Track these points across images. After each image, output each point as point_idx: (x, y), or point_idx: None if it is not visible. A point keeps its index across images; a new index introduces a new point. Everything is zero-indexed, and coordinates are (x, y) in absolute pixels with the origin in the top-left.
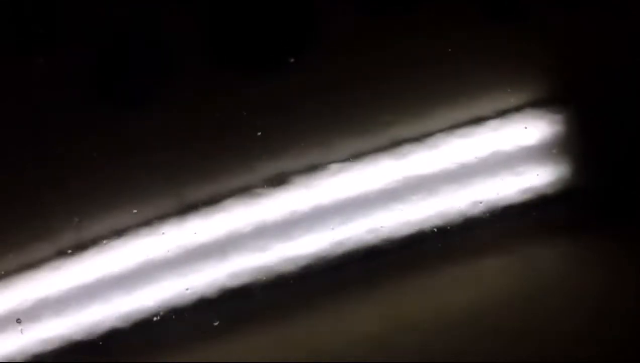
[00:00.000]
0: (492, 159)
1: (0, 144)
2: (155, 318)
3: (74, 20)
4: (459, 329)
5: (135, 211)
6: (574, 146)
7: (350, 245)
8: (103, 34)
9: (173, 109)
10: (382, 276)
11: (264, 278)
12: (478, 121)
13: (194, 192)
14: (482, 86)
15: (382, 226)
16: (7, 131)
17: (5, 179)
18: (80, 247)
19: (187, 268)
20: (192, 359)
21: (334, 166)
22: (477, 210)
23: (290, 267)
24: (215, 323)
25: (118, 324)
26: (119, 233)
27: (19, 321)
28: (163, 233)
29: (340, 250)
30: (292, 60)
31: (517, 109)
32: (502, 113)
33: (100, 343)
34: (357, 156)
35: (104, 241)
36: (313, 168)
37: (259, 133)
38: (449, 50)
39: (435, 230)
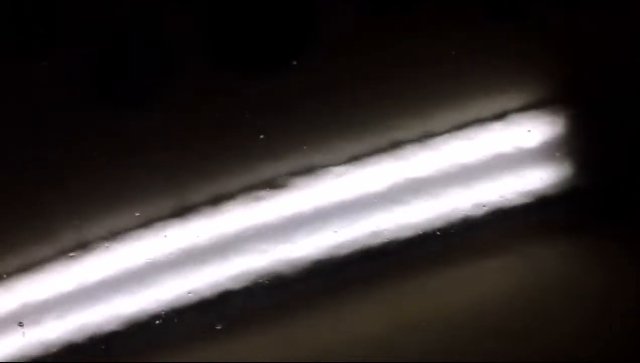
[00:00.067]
0: (493, 160)
1: (0, 144)
2: (157, 321)
3: (74, 20)
4: (459, 329)
5: (137, 214)
6: (573, 146)
7: (351, 247)
8: (103, 34)
9: (173, 109)
10: (383, 277)
11: (265, 280)
12: (478, 122)
13: (194, 193)
14: (482, 86)
15: (383, 228)
16: (7, 131)
17: (5, 179)
18: (82, 249)
19: (189, 270)
20: (194, 360)
21: (334, 168)
22: (477, 211)
23: (291, 269)
24: (218, 327)
25: (120, 326)
26: (120, 234)
27: (21, 324)
28: (165, 236)
29: (341, 252)
30: (294, 62)
31: (517, 109)
32: (502, 114)
33: (102, 345)
34: (357, 157)
35: (105, 244)
36: (314, 170)
37: (261, 136)
38: (450, 51)
39: (435, 231)
